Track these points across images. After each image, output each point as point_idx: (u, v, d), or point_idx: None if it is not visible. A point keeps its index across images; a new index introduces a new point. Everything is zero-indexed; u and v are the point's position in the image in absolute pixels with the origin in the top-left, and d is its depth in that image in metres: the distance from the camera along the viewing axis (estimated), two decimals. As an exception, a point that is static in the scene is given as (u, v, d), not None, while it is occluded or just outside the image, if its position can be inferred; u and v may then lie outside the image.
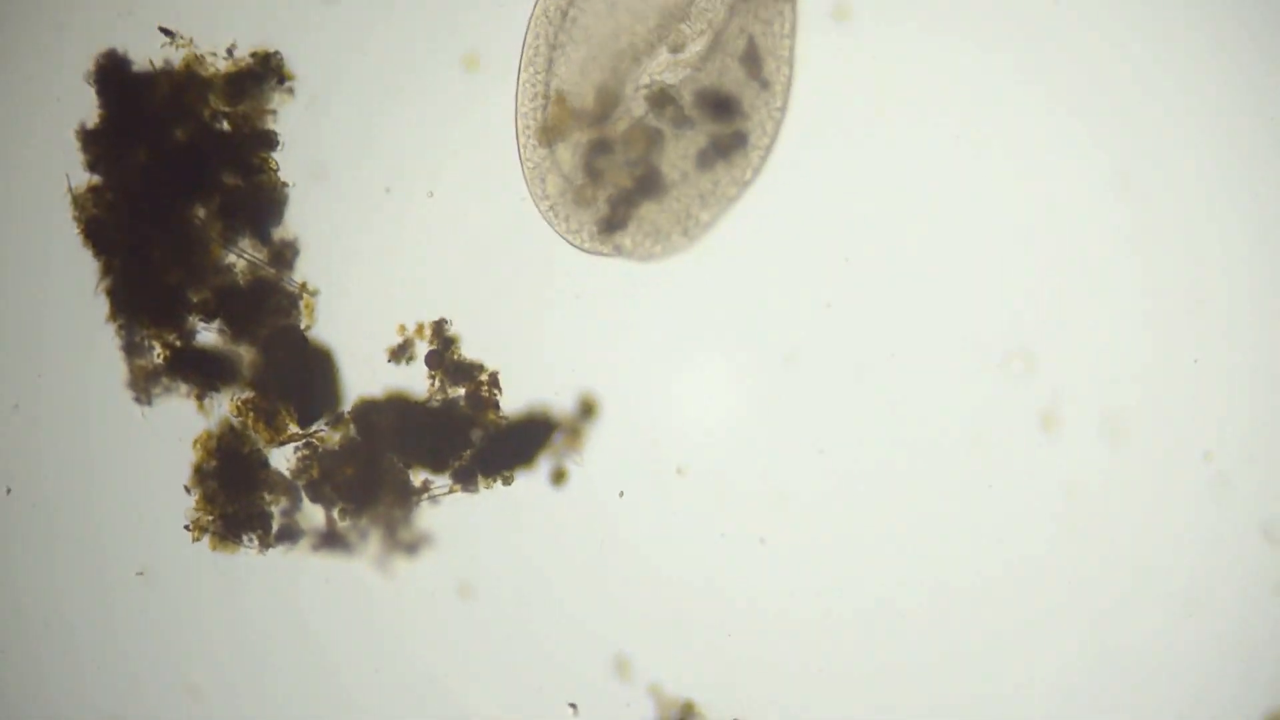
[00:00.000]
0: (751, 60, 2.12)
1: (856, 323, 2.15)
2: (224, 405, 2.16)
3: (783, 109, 2.13)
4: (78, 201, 2.15)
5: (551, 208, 2.15)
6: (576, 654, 2.18)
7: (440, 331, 2.17)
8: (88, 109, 2.15)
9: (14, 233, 2.20)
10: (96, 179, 2.15)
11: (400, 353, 2.17)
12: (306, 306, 2.17)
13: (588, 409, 2.18)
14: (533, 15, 2.13)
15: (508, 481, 2.16)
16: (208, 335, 2.16)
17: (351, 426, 2.16)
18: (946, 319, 2.15)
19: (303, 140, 2.18)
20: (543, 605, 2.18)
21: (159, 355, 2.16)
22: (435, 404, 2.17)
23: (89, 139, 2.15)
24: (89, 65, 2.15)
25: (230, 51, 2.16)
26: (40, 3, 2.20)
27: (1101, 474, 2.14)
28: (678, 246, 2.16)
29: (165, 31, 2.15)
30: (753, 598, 2.17)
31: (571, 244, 2.15)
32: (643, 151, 2.11)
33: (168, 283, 2.14)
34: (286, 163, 2.17)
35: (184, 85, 2.15)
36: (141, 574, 2.17)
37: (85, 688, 2.21)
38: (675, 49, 2.10)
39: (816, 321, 2.15)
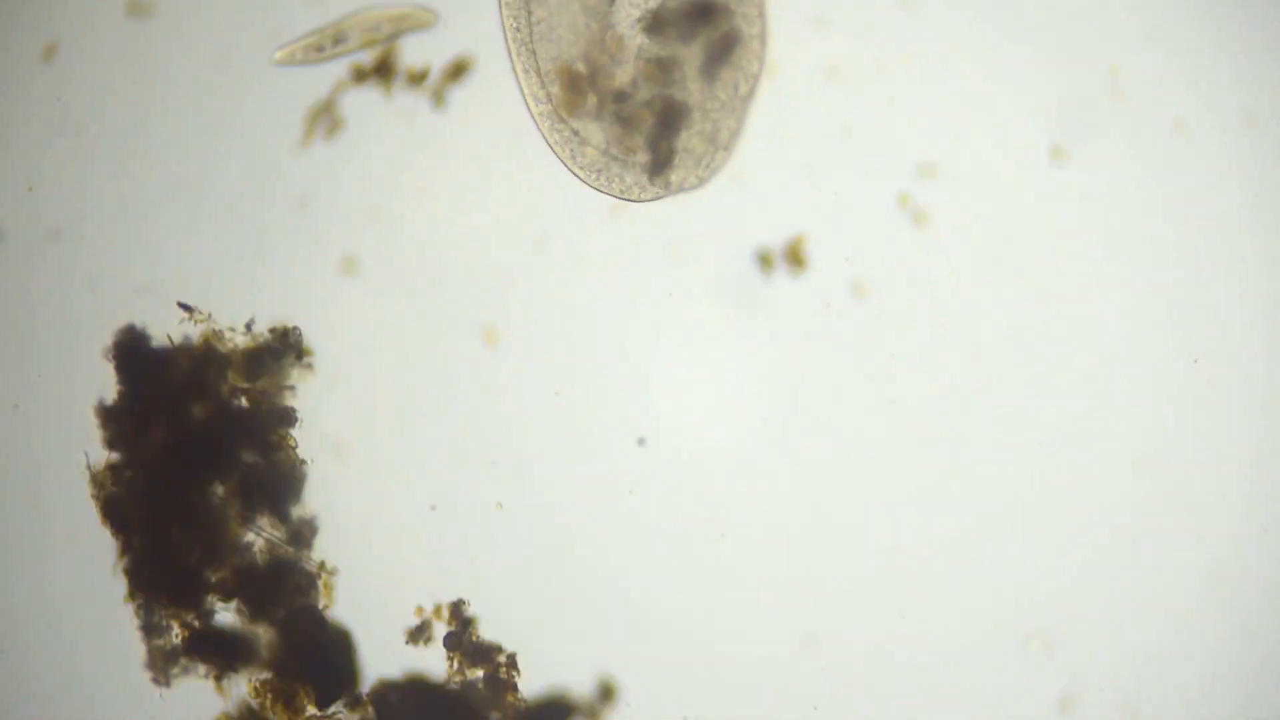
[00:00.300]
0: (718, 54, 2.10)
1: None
2: (242, 686, 2.15)
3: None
4: (96, 479, 2.13)
5: (598, 175, 2.14)
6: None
7: (459, 612, 2.15)
8: (106, 385, 2.14)
9: (34, 510, 2.19)
10: (115, 456, 2.14)
11: (419, 634, 2.15)
12: (325, 586, 2.15)
13: (607, 693, 2.15)
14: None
15: None
16: (226, 615, 2.15)
17: (370, 708, 2.15)
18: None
19: (322, 415, 2.16)
20: None
21: (177, 635, 2.15)
22: (454, 686, 2.15)
23: (107, 416, 2.14)
24: (108, 341, 2.14)
25: (249, 327, 2.14)
26: (59, 280, 2.18)
27: None
28: (720, 162, 2.13)
29: (184, 307, 2.13)
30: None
31: (628, 199, 2.13)
32: (661, 84, 2.09)
33: (186, 562, 2.13)
34: (305, 439, 2.15)
35: (202, 361, 2.13)
36: None
37: None
38: None
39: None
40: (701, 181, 2.14)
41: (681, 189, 2.13)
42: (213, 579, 2.14)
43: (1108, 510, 2.11)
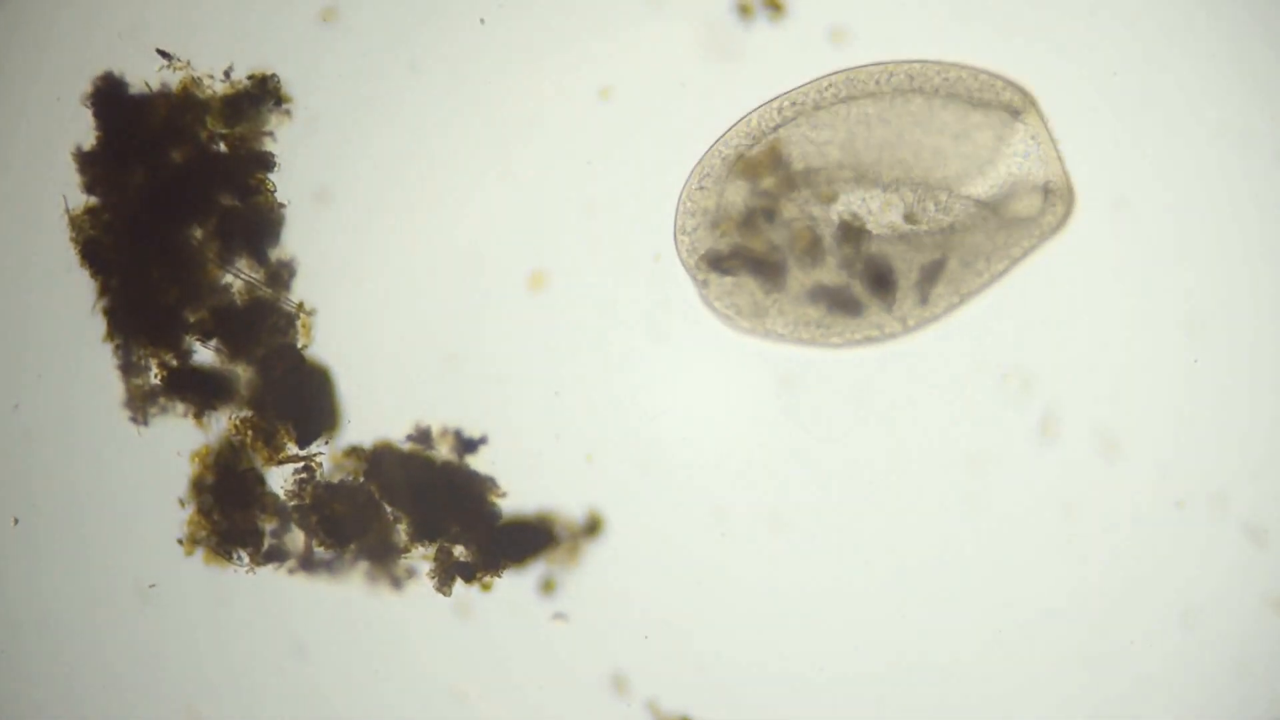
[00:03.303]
0: (930, 275, 2.15)
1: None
2: (222, 422, 2.17)
3: (904, 328, 2.18)
4: (74, 222, 2.15)
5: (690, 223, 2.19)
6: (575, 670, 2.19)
7: (462, 438, 2.19)
8: (85, 131, 2.16)
9: (11, 252, 2.20)
10: (93, 200, 2.16)
11: (423, 440, 2.19)
12: (304, 325, 2.18)
13: (593, 526, 2.18)
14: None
15: (486, 588, 2.17)
16: (205, 354, 2.17)
17: (363, 464, 2.17)
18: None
19: (300, 161, 2.19)
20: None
21: (156, 375, 2.16)
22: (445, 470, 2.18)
23: (86, 161, 2.16)
24: (87, 87, 2.17)
25: (227, 74, 2.18)
26: (38, 25, 2.21)
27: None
28: (739, 327, 2.20)
29: (162, 54, 2.17)
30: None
31: (678, 247, 2.18)
32: (803, 248, 2.13)
33: (165, 302, 2.15)
34: (283, 183, 2.18)
35: (181, 107, 2.17)
36: (153, 586, 2.16)
37: (77, 694, 2.21)
38: (910, 219, 2.14)
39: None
40: (723, 319, 2.20)
41: (708, 295, 2.20)
42: (191, 319, 2.16)
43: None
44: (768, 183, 2.14)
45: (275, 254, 2.18)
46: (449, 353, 2.18)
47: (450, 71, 2.20)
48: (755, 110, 2.16)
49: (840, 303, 2.14)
